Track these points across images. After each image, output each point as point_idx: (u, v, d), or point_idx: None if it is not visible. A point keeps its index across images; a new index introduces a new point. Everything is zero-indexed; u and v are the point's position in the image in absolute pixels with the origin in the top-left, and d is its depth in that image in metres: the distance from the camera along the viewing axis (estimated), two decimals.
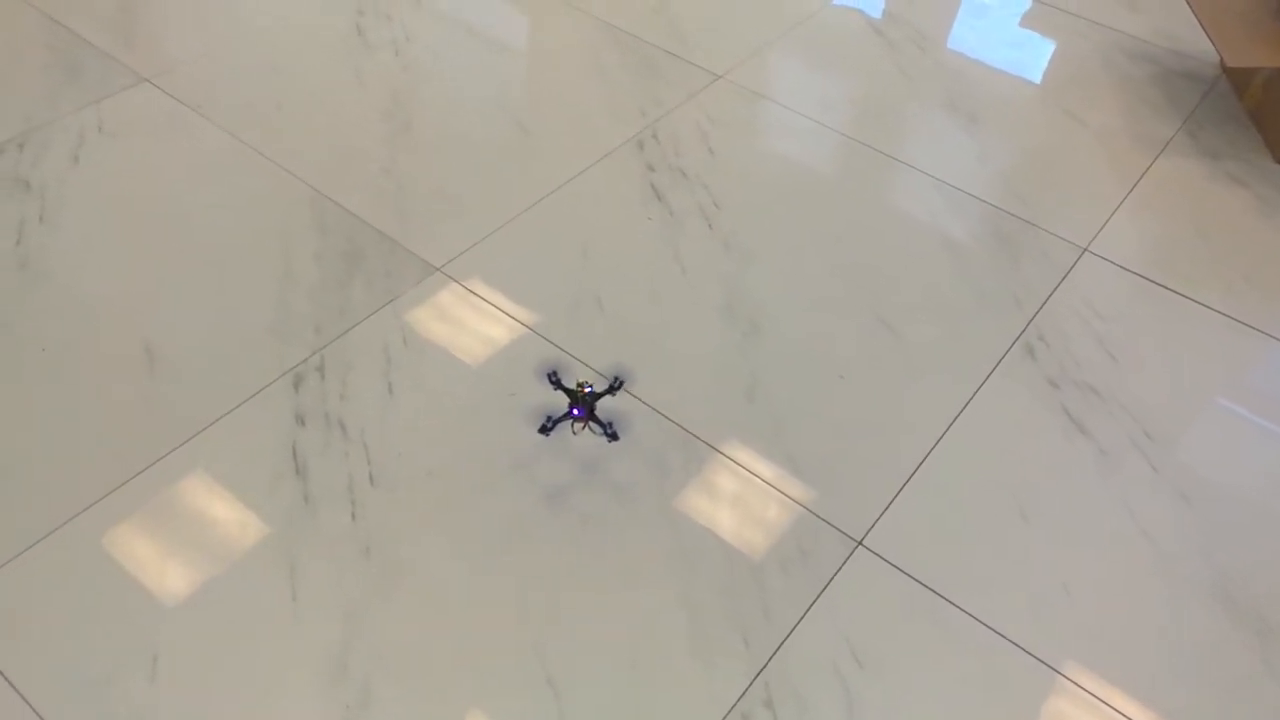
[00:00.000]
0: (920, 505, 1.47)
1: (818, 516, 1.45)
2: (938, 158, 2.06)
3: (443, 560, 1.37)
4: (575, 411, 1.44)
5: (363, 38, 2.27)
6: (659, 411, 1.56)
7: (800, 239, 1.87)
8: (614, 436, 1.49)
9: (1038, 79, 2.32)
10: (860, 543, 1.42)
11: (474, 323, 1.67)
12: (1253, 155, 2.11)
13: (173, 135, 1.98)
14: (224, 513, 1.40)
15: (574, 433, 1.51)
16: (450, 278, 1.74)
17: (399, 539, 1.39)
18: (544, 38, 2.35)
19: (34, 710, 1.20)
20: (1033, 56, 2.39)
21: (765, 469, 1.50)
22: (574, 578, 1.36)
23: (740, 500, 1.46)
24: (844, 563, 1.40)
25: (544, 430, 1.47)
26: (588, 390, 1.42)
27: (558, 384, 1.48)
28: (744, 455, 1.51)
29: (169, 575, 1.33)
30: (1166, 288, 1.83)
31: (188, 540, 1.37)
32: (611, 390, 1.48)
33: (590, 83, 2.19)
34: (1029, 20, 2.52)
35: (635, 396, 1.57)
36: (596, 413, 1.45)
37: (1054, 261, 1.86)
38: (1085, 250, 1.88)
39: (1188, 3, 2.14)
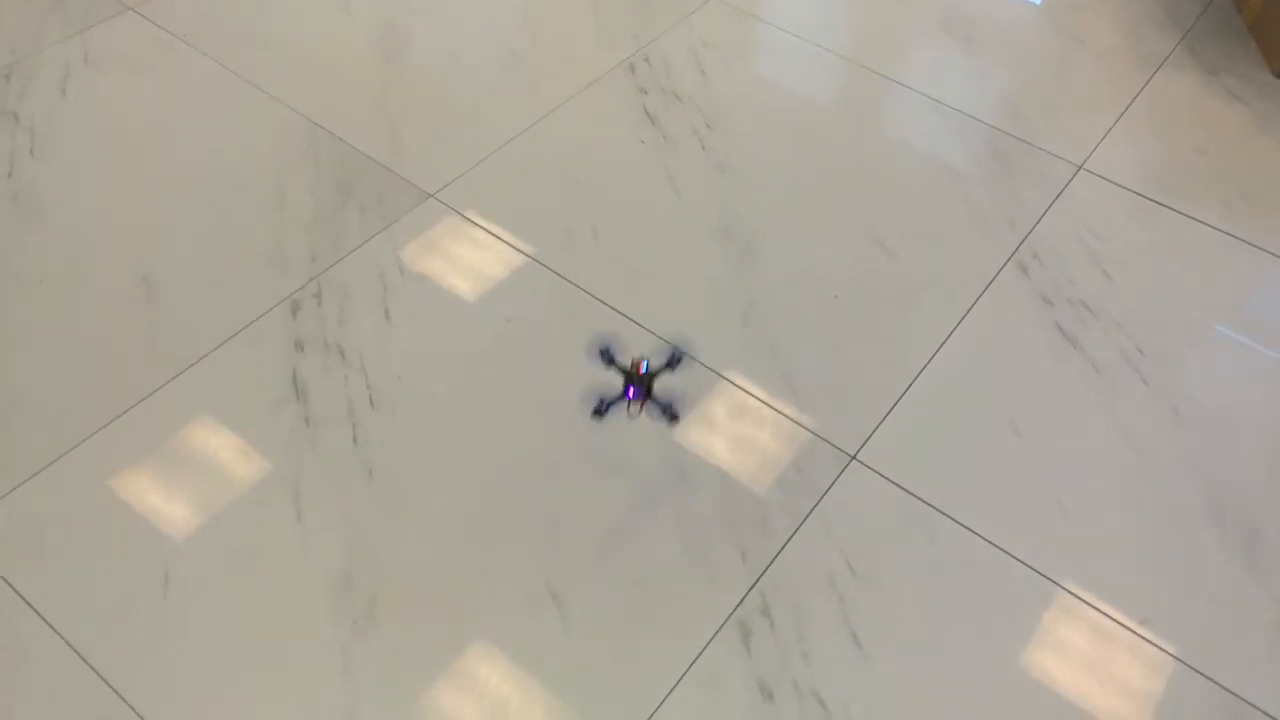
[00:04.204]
0: (914, 421, 1.49)
1: (812, 433, 1.47)
2: (933, 78, 2.04)
3: (444, 480, 1.40)
4: (631, 393, 1.29)
5: None
6: (656, 334, 1.57)
7: (795, 161, 1.86)
8: (675, 418, 1.36)
9: None
10: (854, 457, 1.44)
11: (468, 248, 1.68)
12: (1251, 70, 2.09)
13: (161, 65, 1.96)
14: (227, 437, 1.42)
15: (630, 416, 1.39)
16: (444, 204, 1.74)
17: (400, 460, 1.41)
18: None
19: (52, 628, 1.24)
20: None
21: (761, 389, 1.52)
22: (574, 495, 1.39)
23: (736, 418, 1.48)
24: (838, 476, 1.42)
25: (598, 413, 1.33)
26: (644, 369, 1.27)
27: (611, 361, 1.32)
28: (740, 376, 1.53)
29: (175, 498, 1.36)
30: (1162, 204, 1.82)
31: (192, 464, 1.39)
32: (671, 364, 1.33)
33: (581, 6, 2.16)
34: None
35: (642, 325, 1.58)
36: (655, 392, 1.31)
37: (1049, 180, 1.85)
38: (1080, 168, 1.88)
39: None
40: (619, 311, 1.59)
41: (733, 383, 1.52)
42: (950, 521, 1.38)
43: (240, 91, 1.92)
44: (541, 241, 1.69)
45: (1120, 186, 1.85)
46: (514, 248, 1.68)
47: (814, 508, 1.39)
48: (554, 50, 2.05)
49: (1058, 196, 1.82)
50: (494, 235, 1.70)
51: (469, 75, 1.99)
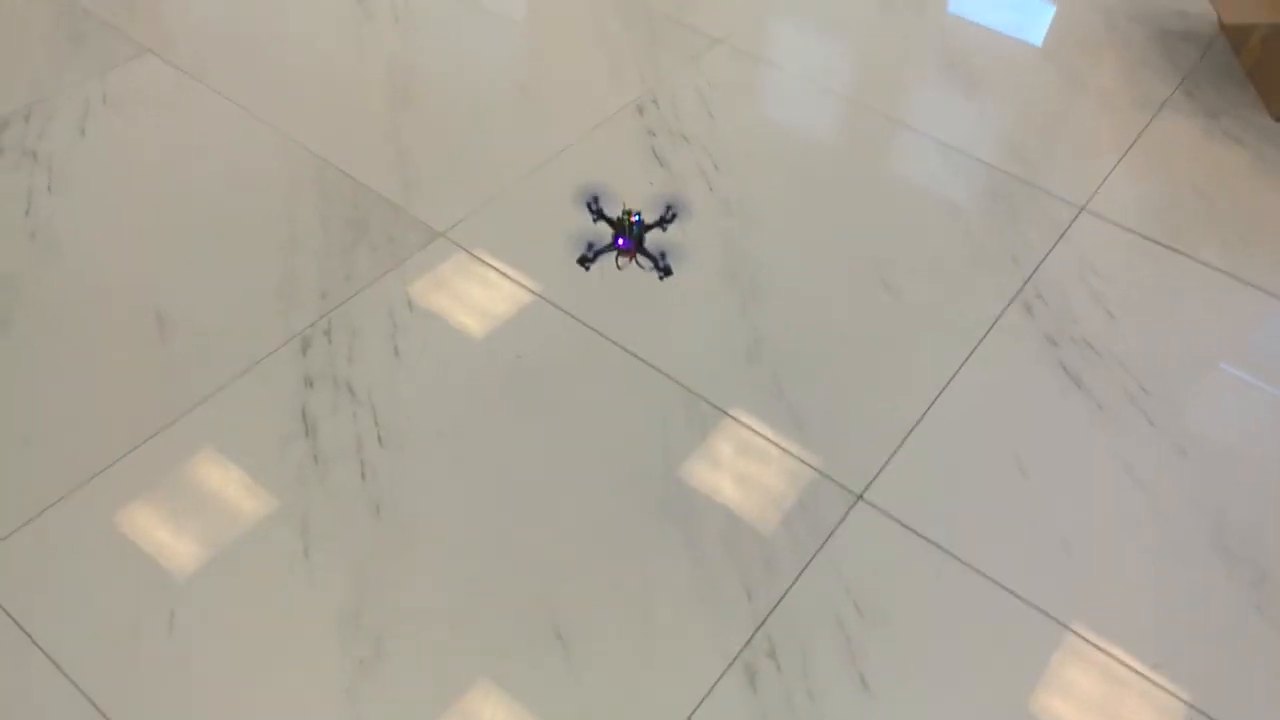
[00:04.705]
0: (920, 460, 1.50)
1: (819, 472, 1.47)
2: (937, 119, 2.07)
3: (452, 517, 1.40)
4: (621, 242, 1.25)
5: (363, 5, 2.27)
6: (661, 371, 1.58)
7: (801, 200, 1.88)
8: (667, 271, 1.28)
9: (1037, 40, 2.32)
10: (861, 497, 1.45)
11: (477, 286, 1.70)
12: (1250, 113, 2.12)
13: (177, 105, 2.00)
14: (236, 473, 1.43)
15: (618, 267, 1.31)
16: (454, 242, 1.76)
17: (408, 497, 1.42)
18: (544, 4, 2.35)
19: (57, 666, 1.24)
20: (1032, 19, 2.39)
21: (767, 427, 1.52)
22: (581, 534, 1.39)
23: (742, 456, 1.49)
24: (845, 515, 1.42)
25: (584, 262, 1.22)
26: (635, 220, 1.24)
27: (599, 214, 1.27)
28: (746, 414, 1.54)
29: (184, 534, 1.37)
30: (1164, 245, 1.84)
31: (201, 500, 1.40)
32: (663, 222, 1.25)
33: (590, 47, 2.20)
34: None
35: (645, 359, 1.59)
36: (646, 245, 1.24)
37: (1052, 220, 1.87)
38: (1083, 209, 1.90)
39: None
40: (625, 349, 1.61)
41: (738, 420, 1.53)
42: (957, 562, 1.38)
43: (254, 130, 1.95)
44: (550, 279, 1.71)
45: (1122, 227, 1.87)
46: (523, 285, 1.70)
47: (820, 548, 1.39)
48: (564, 90, 2.08)
49: (1061, 237, 1.84)
50: (503, 273, 1.71)
51: (480, 114, 2.02)
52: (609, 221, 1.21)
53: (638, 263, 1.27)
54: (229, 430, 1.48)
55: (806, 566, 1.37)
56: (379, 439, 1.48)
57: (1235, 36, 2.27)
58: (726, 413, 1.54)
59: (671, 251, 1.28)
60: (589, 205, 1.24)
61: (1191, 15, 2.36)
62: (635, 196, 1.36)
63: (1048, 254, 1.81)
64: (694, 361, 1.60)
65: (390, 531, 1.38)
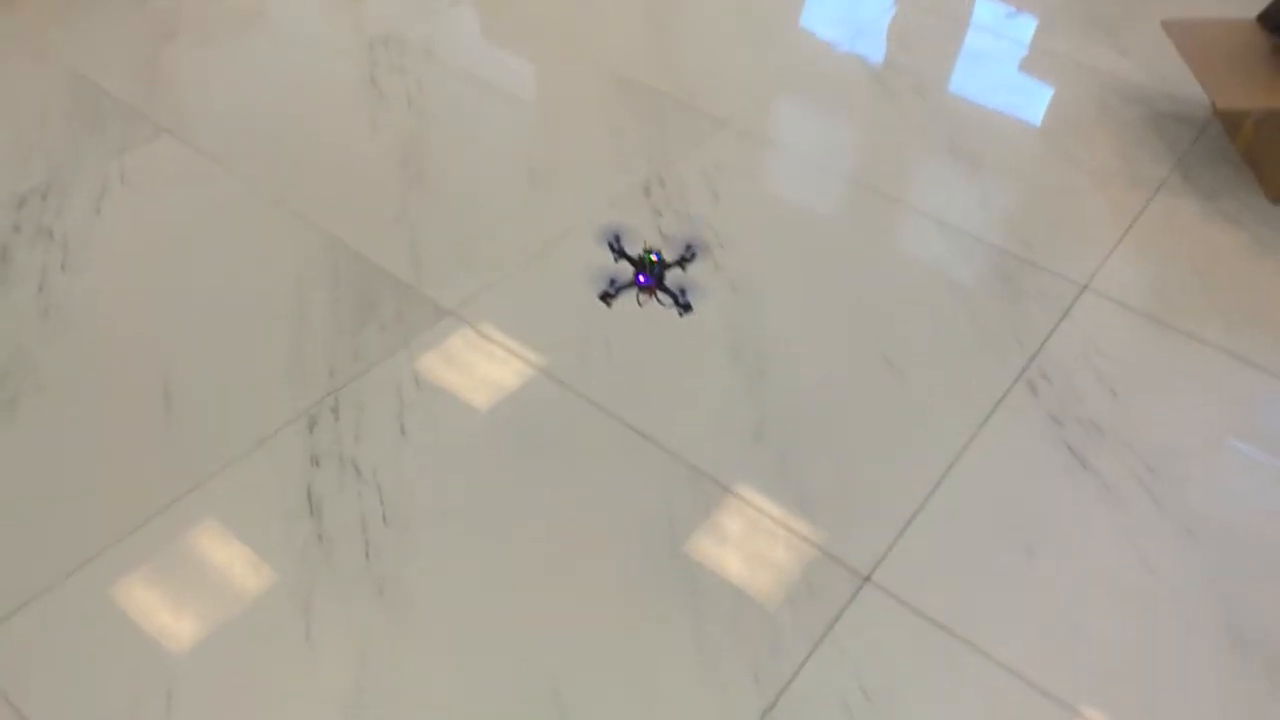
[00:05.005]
0: (926, 542, 1.49)
1: (825, 553, 1.47)
2: (940, 200, 2.11)
3: (455, 597, 1.39)
4: (642, 279, 1.27)
5: (377, 88, 2.33)
6: (666, 449, 1.58)
7: (806, 279, 1.90)
8: (687, 307, 1.30)
9: (1035, 123, 2.37)
10: (868, 579, 1.44)
11: (485, 365, 1.71)
12: (1246, 195, 2.15)
13: (192, 185, 2.04)
14: (239, 553, 1.43)
15: (639, 304, 1.34)
16: (463, 320, 1.78)
17: (412, 577, 1.41)
18: (553, 87, 2.41)
19: None
20: (1030, 101, 2.45)
21: (773, 507, 1.52)
22: (585, 614, 1.38)
23: (749, 537, 1.48)
24: (852, 599, 1.41)
25: (605, 299, 1.24)
26: (656, 258, 1.26)
27: (621, 252, 1.30)
28: (752, 493, 1.54)
29: (185, 615, 1.36)
30: (1166, 325, 1.85)
31: (203, 580, 1.39)
32: (683, 262, 1.29)
33: (598, 129, 2.25)
34: (1025, 66, 2.57)
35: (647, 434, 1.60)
36: (666, 282, 1.25)
37: (1054, 300, 1.89)
38: (1085, 288, 1.91)
39: (1176, 47, 2.20)
40: (631, 426, 1.61)
41: (744, 499, 1.53)
42: (965, 645, 1.37)
43: (268, 210, 1.99)
44: (557, 358, 1.72)
45: (1124, 306, 1.88)
46: (530, 364, 1.71)
47: (827, 632, 1.37)
48: (572, 171, 2.12)
49: (1064, 316, 1.85)
50: (510, 351, 1.73)
51: (489, 194, 2.06)
52: (630, 260, 1.24)
53: (658, 299, 1.30)
54: (233, 508, 1.48)
55: (814, 651, 1.35)
56: (384, 518, 1.48)
57: (1229, 120, 2.32)
58: (732, 491, 1.54)
59: (691, 289, 1.31)
60: (611, 244, 1.27)
61: (1184, 99, 2.41)
62: (654, 235, 1.38)
63: (1051, 333, 1.82)
64: (699, 439, 1.61)
65: (393, 612, 1.37)
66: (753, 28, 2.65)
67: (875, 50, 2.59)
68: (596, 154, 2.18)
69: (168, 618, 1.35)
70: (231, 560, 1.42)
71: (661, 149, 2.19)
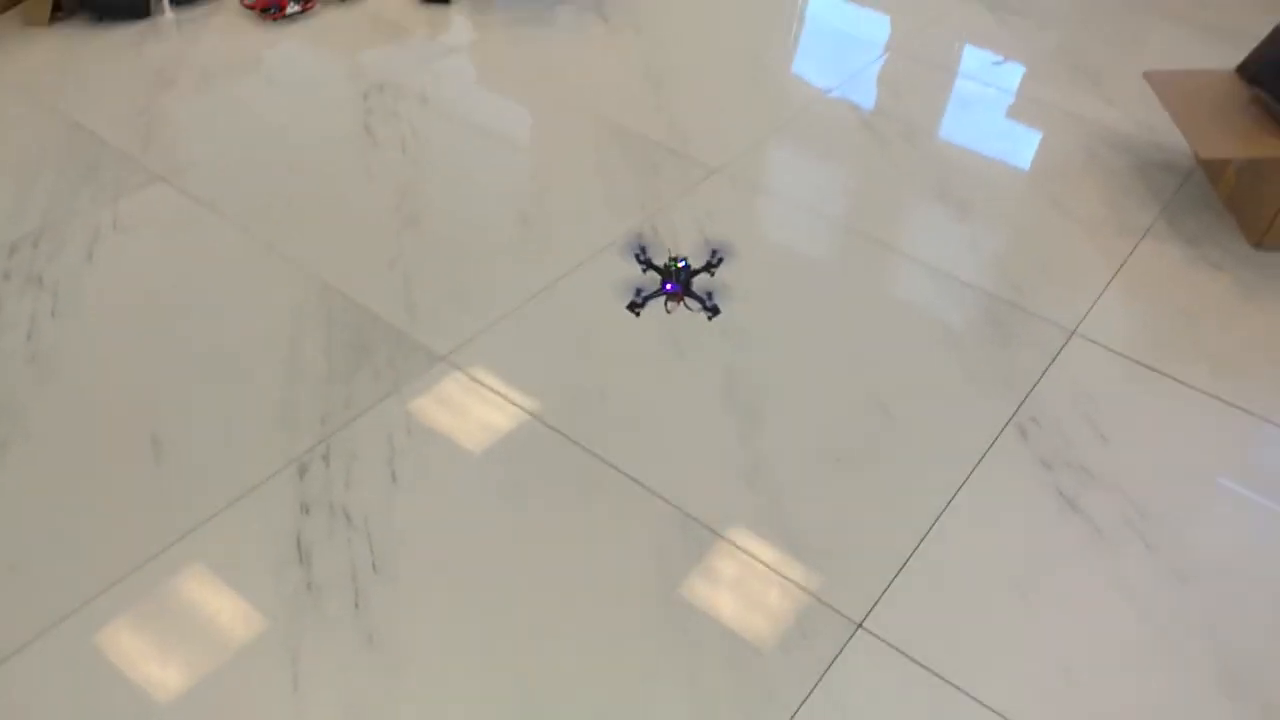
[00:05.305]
0: (919, 586, 1.48)
1: (818, 600, 1.46)
2: (930, 245, 2.13)
3: (445, 646, 1.38)
4: (669, 287, 1.29)
5: (371, 135, 2.36)
6: (659, 495, 1.58)
7: (796, 325, 1.91)
8: (715, 310, 1.32)
9: (1024, 169, 2.41)
10: (860, 625, 1.43)
11: (477, 411, 1.71)
12: (1229, 240, 2.18)
13: (185, 232, 2.05)
14: (227, 603, 1.41)
15: (667, 311, 1.36)
16: (455, 366, 1.78)
17: (402, 626, 1.40)
18: (546, 135, 2.44)
19: None
20: (1018, 148, 2.48)
21: (766, 552, 1.52)
22: (578, 662, 1.37)
23: (741, 584, 1.47)
24: (845, 645, 1.40)
25: (633, 308, 1.28)
26: (682, 265, 1.29)
27: (648, 263, 1.32)
28: (745, 539, 1.53)
29: (172, 664, 1.34)
30: (1154, 369, 1.87)
31: (191, 631, 1.38)
32: (710, 267, 1.32)
33: (591, 177, 2.27)
34: (1013, 113, 2.62)
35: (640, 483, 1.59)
36: (693, 288, 1.29)
37: (1044, 344, 1.90)
38: (1074, 333, 1.93)
39: (1159, 97, 2.24)
40: (623, 472, 1.61)
41: (736, 545, 1.52)
42: (958, 692, 1.36)
43: (261, 256, 1.99)
44: (550, 404, 1.72)
45: (1112, 351, 1.90)
46: (523, 409, 1.71)
47: (821, 679, 1.36)
48: (565, 218, 2.14)
49: (1053, 361, 1.86)
50: (503, 397, 1.73)
51: (483, 240, 2.07)
52: (656, 269, 1.26)
53: (686, 305, 1.33)
54: (222, 557, 1.47)
55: (808, 698, 1.34)
56: (374, 566, 1.47)
57: (1211, 168, 2.35)
58: (724, 537, 1.53)
59: (717, 293, 1.33)
60: (636, 256, 1.31)
61: (1168, 147, 2.45)
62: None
63: (1040, 378, 1.83)
64: (692, 484, 1.60)
65: (382, 661, 1.35)
66: (744, 75, 2.70)
67: (866, 97, 2.63)
68: (590, 200, 2.19)
69: (155, 667, 1.34)
70: (220, 609, 1.40)
71: (654, 195, 2.21)
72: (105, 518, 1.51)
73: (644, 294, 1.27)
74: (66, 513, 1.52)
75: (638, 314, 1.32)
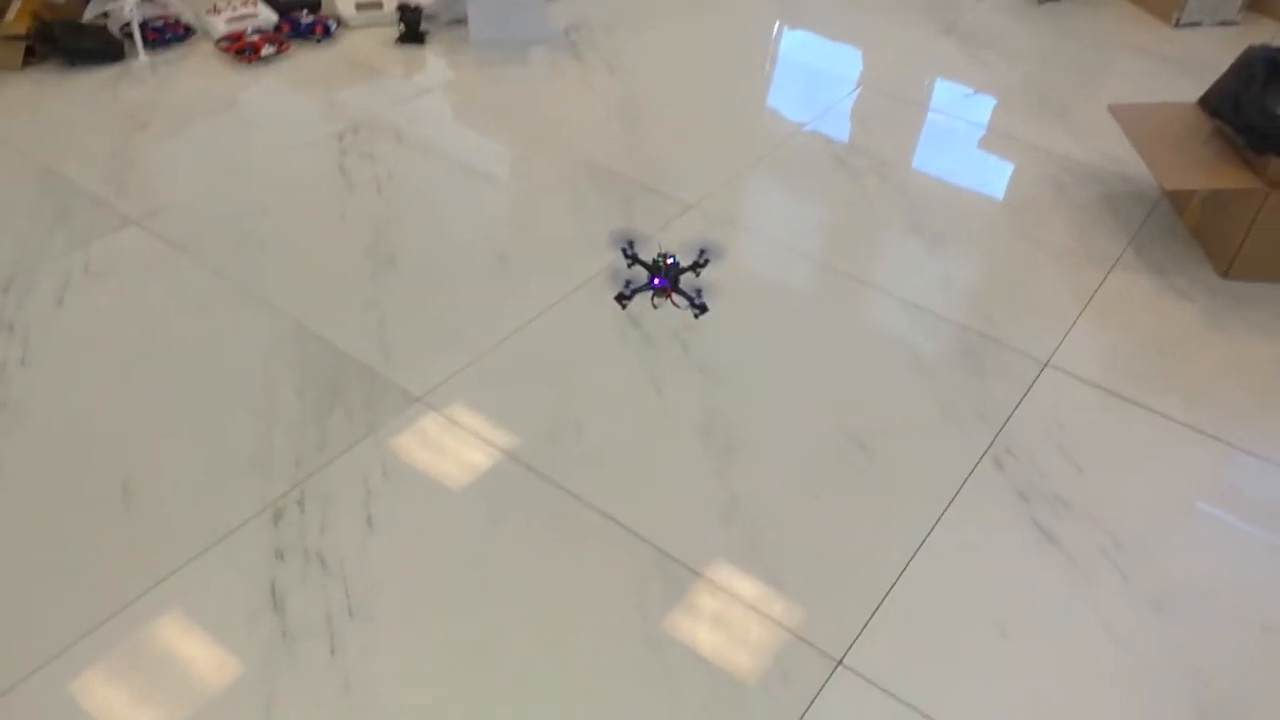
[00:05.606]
0: (898, 622, 1.48)
1: (797, 637, 1.45)
2: (903, 279, 2.15)
3: (421, 692, 1.36)
4: (656, 282, 1.29)
5: (346, 176, 2.36)
6: (636, 534, 1.58)
7: (772, 361, 1.92)
8: (702, 308, 1.32)
9: (994, 202, 2.44)
10: (840, 662, 1.42)
11: (454, 451, 1.70)
12: (1195, 270, 2.21)
13: (158, 275, 2.04)
14: (200, 652, 1.39)
15: (654, 305, 1.37)
16: (430, 407, 1.78)
17: (378, 673, 1.38)
18: (521, 173, 2.45)
19: None
20: (988, 181, 2.52)
21: (744, 590, 1.51)
22: (559, 705, 1.35)
23: (721, 622, 1.47)
24: (825, 682, 1.40)
25: (621, 300, 1.28)
26: (670, 261, 1.29)
27: (634, 258, 1.31)
28: (723, 577, 1.53)
29: (145, 714, 1.31)
30: (1125, 399, 1.88)
31: (165, 681, 1.36)
32: (696, 266, 1.32)
33: (567, 215, 2.28)
34: (983, 147, 2.66)
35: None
36: (680, 285, 1.29)
37: (1017, 376, 1.92)
38: (1046, 364, 1.95)
39: (1123, 130, 2.28)
40: (600, 510, 1.60)
41: (715, 584, 1.52)
42: None
43: (233, 298, 1.99)
44: (527, 444, 1.72)
45: (1085, 382, 1.92)
46: (499, 449, 1.71)
47: (802, 717, 1.35)
48: (541, 256, 2.14)
49: (1026, 392, 1.88)
50: (479, 437, 1.72)
51: (459, 280, 2.07)
52: (644, 265, 1.26)
53: (673, 302, 1.33)
54: (195, 605, 1.45)
55: None
56: (349, 611, 1.45)
57: (1177, 199, 2.39)
58: (703, 575, 1.53)
59: (705, 291, 1.34)
60: (624, 250, 1.31)
61: (1135, 179, 2.49)
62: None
63: (1014, 409, 1.84)
64: (669, 522, 1.60)
65: (359, 708, 1.34)
66: (717, 112, 2.72)
67: (839, 132, 2.67)
68: (565, 238, 2.20)
69: (129, 717, 1.31)
70: (193, 658, 1.38)
71: (630, 233, 2.22)
72: (77, 567, 1.49)
73: (632, 287, 1.28)
74: (37, 562, 1.50)
75: (624, 306, 1.34)
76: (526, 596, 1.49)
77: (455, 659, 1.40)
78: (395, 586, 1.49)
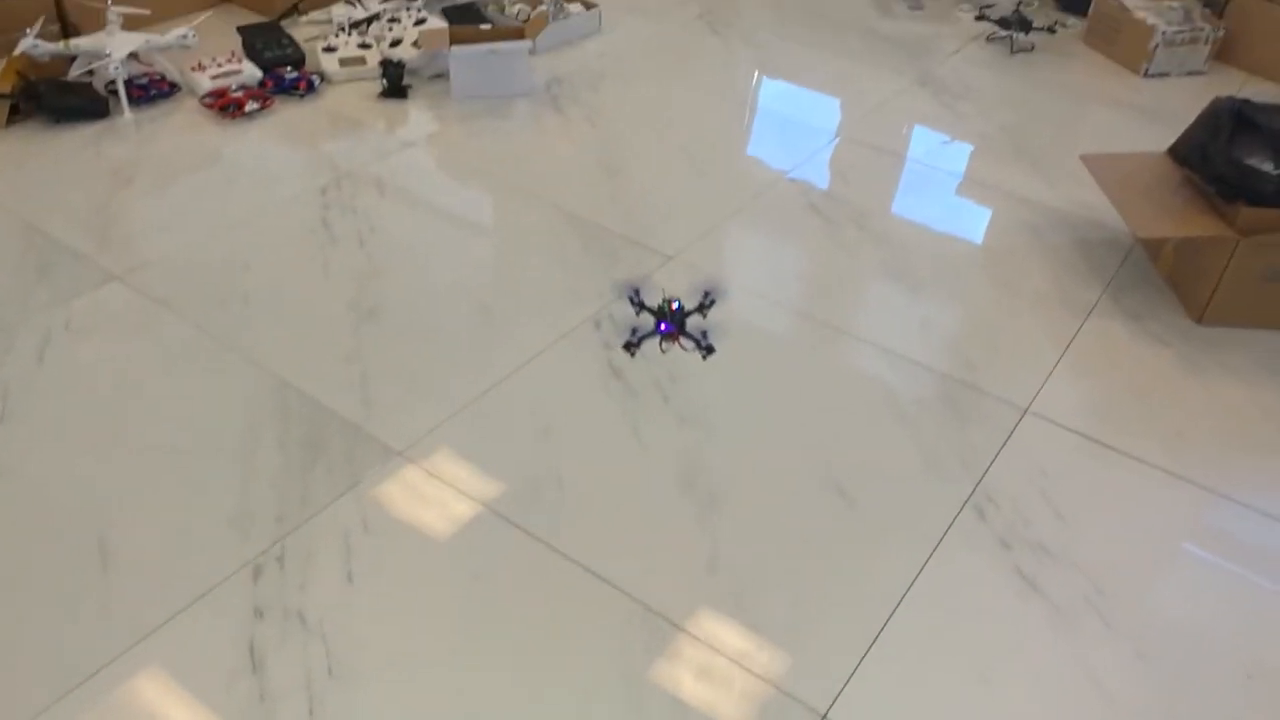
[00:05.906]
0: (882, 674, 1.47)
1: (781, 691, 1.44)
2: (883, 327, 2.17)
3: None
4: (663, 327, 1.32)
5: (329, 230, 2.38)
6: (619, 588, 1.57)
7: (753, 412, 1.93)
8: (710, 349, 1.36)
9: (971, 250, 2.47)
10: (824, 716, 1.41)
11: (435, 506, 1.69)
12: (1170, 315, 2.24)
13: (140, 331, 2.04)
14: (178, 714, 1.37)
15: (662, 350, 1.39)
16: (412, 461, 1.77)
17: None
18: (504, 225, 2.47)
19: None
20: (965, 229, 2.55)
21: (728, 643, 1.50)
22: None
23: (705, 676, 1.46)
24: None
25: (629, 348, 1.32)
26: (675, 306, 1.31)
27: (641, 305, 1.35)
28: (706, 630, 1.52)
29: None
30: (1105, 445, 1.90)
31: None
32: (703, 308, 1.36)
33: (549, 267, 2.30)
34: (959, 195, 2.70)
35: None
36: (687, 328, 1.32)
37: (997, 423, 1.93)
38: (1026, 411, 1.96)
39: (1095, 179, 2.32)
40: (585, 566, 1.60)
41: (698, 638, 1.51)
42: None
43: (215, 354, 1.98)
44: (508, 497, 1.71)
45: (1065, 428, 1.93)
46: (482, 504, 1.70)
47: None
48: (523, 308, 2.15)
49: (1007, 440, 1.89)
50: (461, 492, 1.72)
51: (441, 332, 2.08)
52: (650, 311, 1.29)
53: (680, 345, 1.36)
54: (171, 668, 1.43)
55: None
56: (329, 670, 1.43)
57: (1150, 246, 2.43)
58: (685, 630, 1.52)
59: (711, 333, 1.37)
60: (631, 298, 1.34)
61: (1109, 226, 2.53)
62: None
63: (995, 457, 1.85)
64: (652, 575, 1.59)
65: None
66: (697, 164, 2.76)
67: (818, 181, 2.70)
68: (548, 290, 2.22)
69: None
70: None
71: (612, 284, 2.24)
72: (54, 626, 1.47)
73: (639, 334, 1.32)
74: (14, 621, 1.48)
75: (633, 354, 1.37)
76: (508, 653, 1.47)
77: (435, 715, 1.39)
78: (375, 642, 1.47)
